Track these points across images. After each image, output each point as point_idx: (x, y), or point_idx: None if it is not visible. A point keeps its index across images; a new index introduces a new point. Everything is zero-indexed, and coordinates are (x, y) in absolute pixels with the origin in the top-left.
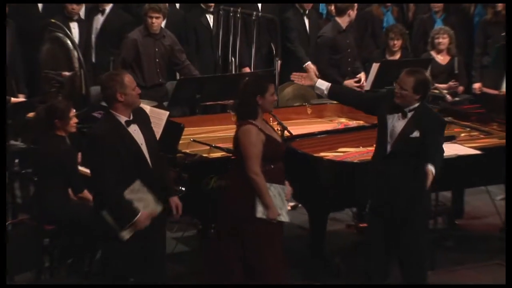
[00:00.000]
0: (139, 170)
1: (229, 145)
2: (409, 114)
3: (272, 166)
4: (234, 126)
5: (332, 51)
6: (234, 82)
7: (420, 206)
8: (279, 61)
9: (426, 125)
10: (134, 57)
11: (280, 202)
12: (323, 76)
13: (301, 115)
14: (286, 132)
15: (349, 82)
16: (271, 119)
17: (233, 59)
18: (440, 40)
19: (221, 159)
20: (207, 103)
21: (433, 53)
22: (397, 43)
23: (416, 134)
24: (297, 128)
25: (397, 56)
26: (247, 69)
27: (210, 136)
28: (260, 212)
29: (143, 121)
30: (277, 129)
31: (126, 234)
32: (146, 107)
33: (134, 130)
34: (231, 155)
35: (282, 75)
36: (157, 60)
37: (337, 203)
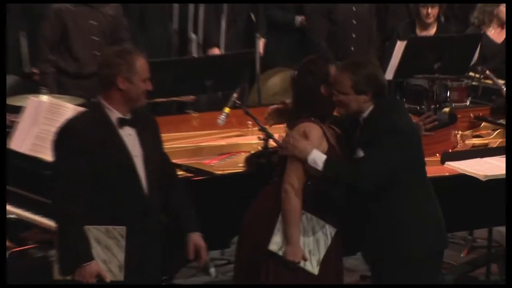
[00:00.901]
0: (125, 193)
1: (191, 161)
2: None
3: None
4: (197, 133)
5: (329, 20)
6: (197, 69)
7: (387, 251)
8: (262, 39)
9: (369, 136)
10: (62, 36)
11: (313, 245)
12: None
13: None
14: (271, 142)
15: None
16: (250, 122)
17: (194, 36)
18: (502, 9)
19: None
20: (158, 100)
21: (483, 27)
22: (433, 12)
23: (360, 153)
24: None
25: (432, 31)
26: (215, 50)
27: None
28: (275, 244)
29: (147, 127)
30: (259, 137)
31: (58, 275)
32: (67, 105)
33: (129, 135)
34: (192, 175)
35: (267, 59)
36: (94, 37)
37: (348, 245)
